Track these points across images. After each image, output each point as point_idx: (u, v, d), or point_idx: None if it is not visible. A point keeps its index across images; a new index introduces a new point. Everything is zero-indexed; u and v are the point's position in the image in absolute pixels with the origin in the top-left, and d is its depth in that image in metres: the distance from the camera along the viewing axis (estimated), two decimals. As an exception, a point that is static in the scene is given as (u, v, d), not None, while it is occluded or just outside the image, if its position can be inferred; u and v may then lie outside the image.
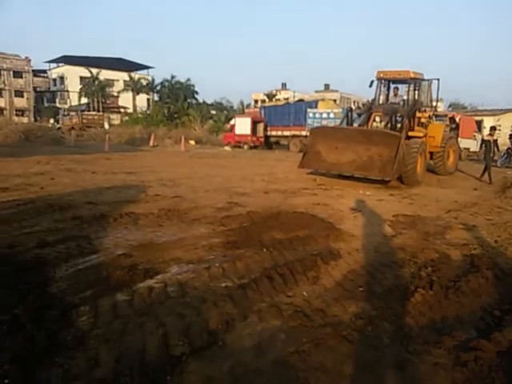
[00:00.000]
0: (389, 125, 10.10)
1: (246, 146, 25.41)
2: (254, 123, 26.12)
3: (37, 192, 5.95)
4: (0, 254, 3.32)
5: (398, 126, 10.00)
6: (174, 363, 2.04)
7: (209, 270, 3.21)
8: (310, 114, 24.00)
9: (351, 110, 11.39)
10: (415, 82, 10.60)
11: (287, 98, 73.34)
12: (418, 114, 10.51)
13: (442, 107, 69.41)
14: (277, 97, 71.50)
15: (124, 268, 3.13)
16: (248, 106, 61.86)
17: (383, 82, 10.99)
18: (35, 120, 53.35)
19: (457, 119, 26.04)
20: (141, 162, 11.74)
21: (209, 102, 62.85)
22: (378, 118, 10.60)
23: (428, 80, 10.92)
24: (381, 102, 11.04)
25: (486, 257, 3.82)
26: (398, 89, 11.04)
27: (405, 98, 10.90)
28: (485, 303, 2.90)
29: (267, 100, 65.84)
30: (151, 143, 22.18)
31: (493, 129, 11.95)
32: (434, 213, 5.91)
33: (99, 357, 2.07)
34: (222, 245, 3.86)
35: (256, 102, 74.33)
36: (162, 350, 2.14)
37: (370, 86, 11.07)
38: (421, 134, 10.28)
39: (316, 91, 76.64)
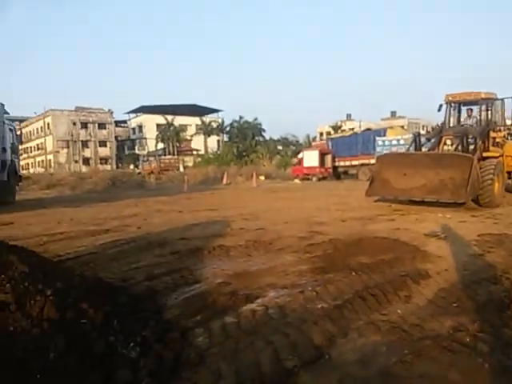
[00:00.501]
0: (460, 147, 9.86)
1: (314, 178, 25.69)
2: (322, 155, 26.43)
3: (135, 232, 6.59)
4: (117, 286, 3.79)
5: (471, 147, 9.76)
6: (288, 375, 2.27)
7: (303, 293, 3.43)
8: (380, 142, 23.81)
9: (419, 134, 11.27)
10: (487, 102, 10.38)
11: (353, 129, 72.96)
12: (492, 134, 10.25)
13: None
14: (342, 127, 71.39)
15: (226, 294, 3.45)
16: (314, 139, 62.37)
17: (453, 105, 10.84)
18: (117, 167, 57.83)
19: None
20: (219, 200, 12.40)
21: (275, 137, 64.28)
22: (448, 141, 10.38)
23: (501, 99, 10.63)
24: (451, 124, 10.87)
25: None
26: (471, 110, 10.81)
27: (477, 118, 10.66)
28: None
29: (333, 132, 65.96)
30: (224, 181, 23.21)
31: None
32: (523, 231, 5.71)
33: (221, 371, 2.35)
34: (310, 270, 4.08)
35: (321, 134, 74.77)
36: (275, 364, 2.38)
37: (439, 110, 10.93)
38: (497, 154, 10.04)
39: (382, 119, 75.61)
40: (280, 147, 58.88)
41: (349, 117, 79.42)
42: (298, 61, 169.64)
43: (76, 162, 58.49)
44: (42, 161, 61.30)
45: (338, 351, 2.50)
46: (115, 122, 64.54)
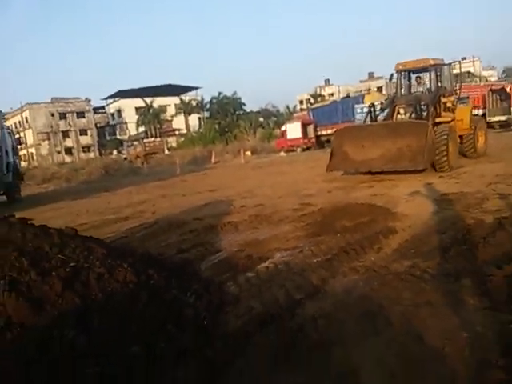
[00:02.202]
0: (413, 115, 10.09)
1: (298, 149, 26.70)
2: (304, 126, 27.36)
3: (151, 217, 7.63)
4: (158, 259, 4.86)
5: (424, 114, 9.99)
6: (297, 303, 3.38)
7: (302, 252, 4.56)
8: (358, 110, 24.82)
9: (373, 105, 11.36)
10: (436, 68, 10.53)
11: (332, 94, 73.63)
12: (443, 100, 10.48)
13: (494, 76, 66.53)
14: (322, 93, 71.85)
15: (244, 258, 4.55)
16: (294, 108, 62.93)
17: (403, 73, 10.93)
18: (100, 154, 57.88)
19: (507, 89, 25.74)
20: (214, 180, 13.43)
21: (255, 110, 64.60)
22: (402, 110, 10.57)
23: (449, 64, 10.93)
24: (403, 93, 11.03)
25: (513, 217, 4.86)
26: (420, 78, 10.99)
27: (427, 85, 10.88)
28: (506, 250, 3.99)
29: (312, 100, 66.50)
30: (213, 160, 24.14)
31: None
32: (476, 188, 6.90)
33: (251, 305, 3.45)
34: (305, 236, 5.21)
35: (301, 102, 75.35)
36: (288, 298, 3.49)
37: (391, 79, 11.37)
38: (449, 119, 10.28)
39: (361, 81, 76.04)
40: (261, 119, 59.44)
41: (327, 82, 79.82)
42: (271, 29, 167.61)
43: (59, 152, 58.35)
44: (24, 155, 60.93)
45: (329, 287, 3.63)
46: (93, 109, 64.12)
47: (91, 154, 57.84)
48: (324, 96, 71.35)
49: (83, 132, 60.87)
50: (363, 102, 25.92)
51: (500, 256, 3.82)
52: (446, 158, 9.31)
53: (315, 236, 5.09)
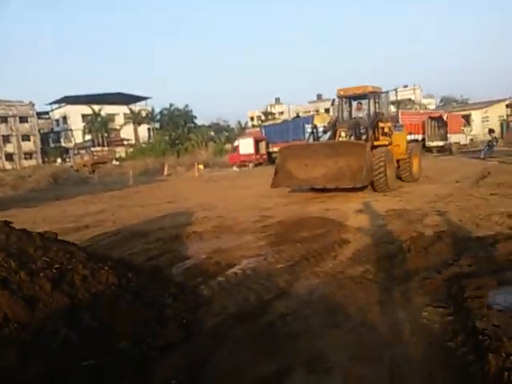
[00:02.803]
0: (353, 137, 10.60)
1: (251, 165, 27.29)
2: (257, 142, 28.06)
3: (112, 226, 7.74)
4: (133, 264, 5.07)
5: (363, 137, 10.48)
6: (266, 303, 3.77)
7: (266, 259, 4.97)
8: (308, 130, 25.84)
9: (316, 126, 11.85)
10: (374, 95, 11.19)
11: (282, 112, 75.61)
12: (380, 125, 11.05)
13: (433, 104, 71.29)
14: (272, 111, 73.58)
15: (212, 264, 4.88)
16: (245, 124, 63.92)
17: (344, 99, 11.53)
18: (43, 161, 55.61)
19: (444, 117, 27.99)
20: (169, 192, 13.61)
21: (206, 123, 64.92)
22: (343, 133, 11.02)
23: (386, 92, 11.70)
24: (345, 118, 11.59)
25: (449, 231, 5.56)
26: (361, 104, 11.54)
27: (367, 111, 11.36)
28: (444, 258, 4.63)
29: (263, 117, 67.90)
30: (165, 172, 24.14)
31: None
32: (417, 205, 7.69)
33: (226, 305, 3.80)
34: (267, 245, 5.64)
35: (252, 118, 76.73)
36: (258, 298, 3.87)
37: (332, 104, 12.02)
38: (386, 142, 10.86)
39: (309, 102, 78.88)
40: (212, 133, 59.81)
41: (277, 100, 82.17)
42: (224, 43, 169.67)
43: (-2, 158, 55.40)
44: (-39, 160, 57.24)
45: (294, 289, 4.05)
46: (36, 113, 61.59)
47: (33, 161, 55.38)
48: (274, 114, 73.21)
49: (26, 138, 58.18)
50: (313, 123, 27.10)
51: (439, 263, 4.44)
52: (384, 179, 9.80)
53: (277, 245, 5.53)
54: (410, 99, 62.53)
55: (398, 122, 25.96)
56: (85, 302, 3.35)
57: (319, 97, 78.18)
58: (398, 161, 11.46)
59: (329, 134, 11.56)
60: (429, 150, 27.83)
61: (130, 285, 3.80)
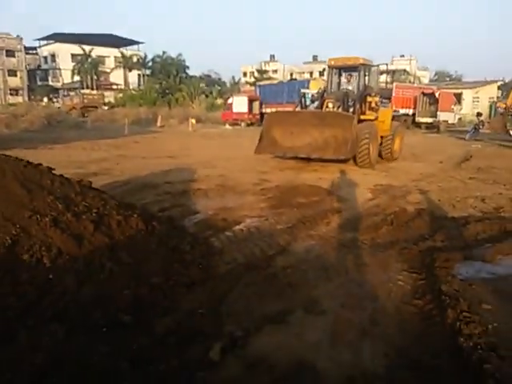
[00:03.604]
0: (340, 109, 10.44)
1: (243, 124, 27.57)
2: (251, 101, 28.19)
3: (120, 175, 8.24)
4: (153, 213, 5.66)
5: (351, 110, 10.35)
6: (270, 257, 4.45)
7: (267, 220, 5.63)
8: (309, 96, 26.06)
9: (304, 95, 11.80)
10: (365, 67, 10.86)
11: (276, 70, 74.64)
12: (368, 99, 10.87)
13: (427, 77, 71.32)
14: (266, 68, 72.58)
15: (220, 220, 5.52)
16: (239, 80, 63.14)
17: (334, 69, 11.29)
18: (29, 99, 54.33)
19: (436, 94, 28.46)
20: (167, 146, 14.04)
21: (197, 74, 63.76)
22: (330, 105, 10.82)
23: (377, 65, 11.51)
24: (333, 89, 11.40)
25: (429, 209, 6.29)
26: (351, 75, 11.30)
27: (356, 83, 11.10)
28: (421, 232, 5.35)
29: (256, 73, 67.01)
30: (158, 123, 24.28)
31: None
32: (402, 182, 8.39)
33: (235, 256, 4.46)
34: (267, 207, 6.28)
35: (245, 74, 75.61)
36: (262, 253, 4.54)
37: (322, 74, 12.32)
38: (372, 117, 10.76)
39: (304, 62, 77.88)
40: (202, 84, 58.89)
41: (272, 58, 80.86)
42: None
43: (-17, 91, 53.85)
44: None
45: (292, 248, 4.73)
46: (24, 48, 59.45)
47: (19, 98, 54.06)
48: (268, 71, 72.24)
49: (12, 73, 56.36)
50: (308, 88, 27.27)
51: (416, 237, 5.16)
52: (367, 154, 9.92)
53: (276, 208, 6.18)
54: (405, 70, 62.48)
55: (391, 95, 26.45)
56: (120, 242, 3.96)
57: (315, 58, 77.03)
58: (380, 137, 11.37)
59: (316, 103, 11.47)
60: (418, 125, 28.52)
61: (154, 231, 4.42)
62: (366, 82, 11.01)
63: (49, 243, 3.51)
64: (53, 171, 4.43)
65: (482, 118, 22.71)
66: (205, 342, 2.95)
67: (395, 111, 20.64)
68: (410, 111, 28.46)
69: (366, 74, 11.00)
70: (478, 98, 47.63)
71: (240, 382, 2.63)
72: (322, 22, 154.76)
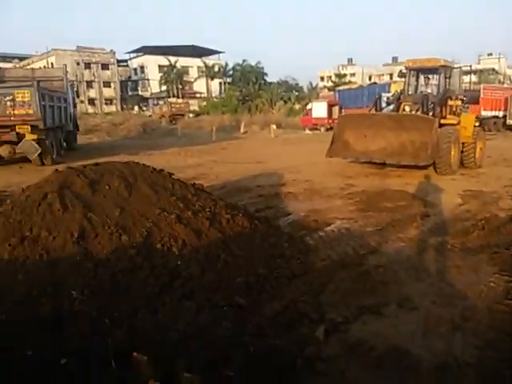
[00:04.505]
0: (419, 112, 9.90)
1: (322, 129, 27.78)
2: (330, 106, 28.34)
3: (215, 179, 9.01)
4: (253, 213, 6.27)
5: (430, 114, 9.81)
6: (362, 256, 4.78)
7: (357, 222, 5.96)
8: (384, 98, 25.67)
9: (380, 97, 11.23)
10: (445, 69, 10.27)
11: (354, 74, 73.56)
12: (450, 102, 10.35)
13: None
14: (344, 72, 71.83)
15: (312, 221, 5.96)
16: (316, 85, 63.28)
17: (412, 71, 10.75)
18: (122, 108, 58.89)
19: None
20: (253, 151, 14.81)
21: (275, 80, 64.87)
22: (407, 108, 10.38)
23: (459, 67, 10.96)
24: (410, 92, 10.87)
25: (521, 216, 6.23)
26: (429, 78, 10.77)
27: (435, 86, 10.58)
28: (513, 238, 5.38)
29: (334, 78, 66.59)
30: (242, 130, 25.35)
31: None
32: (492, 188, 8.23)
33: (329, 253, 4.86)
34: (355, 210, 6.61)
35: (322, 79, 75.50)
36: (354, 252, 4.89)
37: (399, 75, 11.38)
38: (454, 122, 10.16)
39: (384, 65, 75.90)
40: (280, 90, 59.75)
41: (350, 61, 79.93)
42: (297, 2, 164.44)
43: (82, 102, 59.28)
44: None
45: (383, 248, 5.04)
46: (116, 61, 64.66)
47: (113, 107, 58.85)
48: (346, 75, 71.51)
49: (107, 84, 61.57)
50: (389, 91, 26.81)
51: (509, 241, 5.20)
52: (448, 160, 9.37)
53: (364, 211, 6.49)
54: (493, 69, 58.61)
55: (479, 96, 25.13)
56: (231, 237, 4.55)
57: (394, 59, 74.78)
58: (462, 144, 10.66)
59: (392, 106, 10.96)
60: (509, 128, 26.80)
61: (257, 229, 4.97)
62: (447, 85, 10.45)
63: (175, 236, 4.19)
64: (172, 176, 5.17)
65: None
66: (310, 325, 3.40)
67: (481, 115, 19.61)
68: (501, 113, 26.83)
69: (447, 76, 10.44)
70: None
71: (344, 358, 3.04)
72: (402, 21, 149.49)
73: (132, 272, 3.69)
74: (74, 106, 16.03)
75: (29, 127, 10.53)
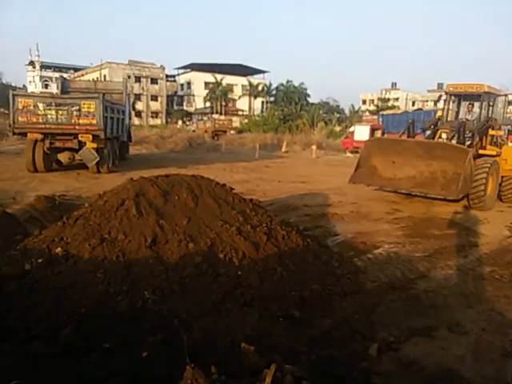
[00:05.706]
0: (454, 141, 9.19)
1: (364, 152, 27.71)
2: (373, 130, 28.31)
3: (263, 196, 9.30)
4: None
5: (467, 143, 9.22)
6: (411, 280, 4.91)
7: (404, 247, 6.09)
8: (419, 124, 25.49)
9: (413, 122, 10.40)
10: (489, 96, 9.75)
11: (397, 99, 73.05)
12: (491, 132, 9.81)
13: None
14: (387, 96, 71.53)
15: (360, 243, 6.13)
16: (359, 108, 63.27)
17: (453, 96, 10.19)
18: (166, 122, 60.77)
19: None
20: (296, 171, 15.10)
21: (316, 100, 65.42)
22: (444, 135, 9.78)
23: (505, 95, 10.46)
24: (450, 118, 10.25)
25: None
26: (472, 105, 10.13)
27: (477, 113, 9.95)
28: None
29: (375, 101, 66.37)
30: (283, 149, 25.73)
31: None
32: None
33: (378, 276, 5.02)
34: (402, 235, 6.73)
35: (364, 102, 75.38)
36: (403, 276, 5.02)
37: (438, 100, 11.01)
38: (493, 153, 9.54)
39: (429, 90, 75.00)
40: (321, 112, 60.04)
41: (394, 85, 79.48)
42: (343, 25, 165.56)
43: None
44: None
45: (432, 274, 5.15)
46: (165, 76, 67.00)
47: (158, 121, 60.82)
48: (389, 100, 71.17)
49: (154, 98, 63.75)
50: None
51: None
52: (483, 194, 8.64)
53: (412, 237, 6.60)
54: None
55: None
56: (286, 253, 4.80)
57: (440, 86, 73.67)
58: (502, 177, 9.92)
59: (428, 132, 10.39)
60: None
61: (309, 246, 5.21)
62: (490, 113, 9.89)
63: (235, 247, 4.49)
64: (233, 190, 5.51)
65: None
66: (362, 342, 3.59)
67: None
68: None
69: (491, 103, 9.87)
70: None
71: (397, 374, 3.21)
72: (449, 47, 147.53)
73: (198, 277, 4.00)
74: (130, 117, 16.88)
75: (90, 136, 11.24)
